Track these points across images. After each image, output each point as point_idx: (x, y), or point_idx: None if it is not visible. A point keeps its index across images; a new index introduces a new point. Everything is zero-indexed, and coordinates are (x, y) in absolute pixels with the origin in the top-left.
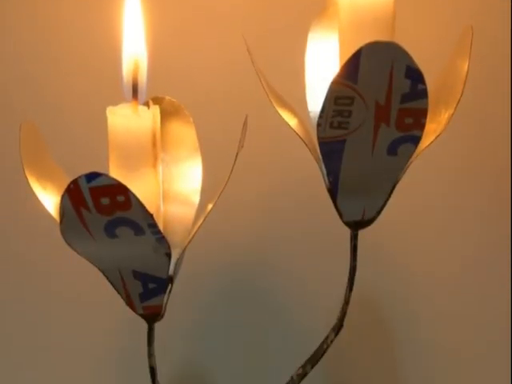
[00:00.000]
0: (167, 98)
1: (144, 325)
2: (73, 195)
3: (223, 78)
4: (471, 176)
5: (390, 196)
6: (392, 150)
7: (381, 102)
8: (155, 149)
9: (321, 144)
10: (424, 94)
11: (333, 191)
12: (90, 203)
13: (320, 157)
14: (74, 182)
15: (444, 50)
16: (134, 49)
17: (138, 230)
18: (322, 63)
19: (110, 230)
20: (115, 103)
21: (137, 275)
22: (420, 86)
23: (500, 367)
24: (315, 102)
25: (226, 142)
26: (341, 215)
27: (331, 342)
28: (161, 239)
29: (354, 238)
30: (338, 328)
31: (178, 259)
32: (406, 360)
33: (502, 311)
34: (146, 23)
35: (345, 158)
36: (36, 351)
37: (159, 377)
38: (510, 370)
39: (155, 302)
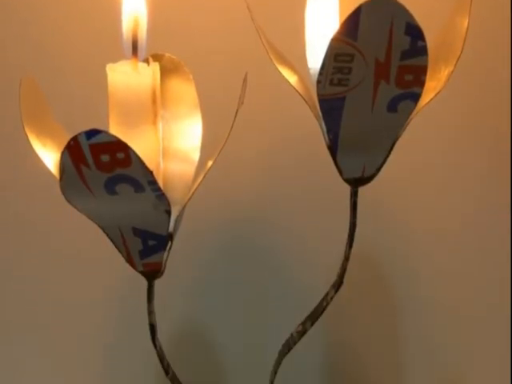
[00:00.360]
0: (167, 54)
1: (144, 282)
2: (73, 152)
3: (223, 35)
4: (471, 133)
5: (389, 153)
6: (392, 106)
7: (381, 59)
8: (155, 106)
9: (321, 101)
10: (424, 50)
11: (333, 148)
12: (90, 160)
13: (320, 114)
14: (74, 139)
15: (444, 7)
16: (134, 6)
17: (137, 186)
18: (322, 20)
19: (110, 186)
20: (115, 60)
21: (137, 232)
22: (420, 43)
23: (499, 324)
24: (315, 58)
25: (226, 99)
26: (341, 172)
27: (331, 298)
28: (161, 196)
29: (353, 195)
30: (337, 285)
31: (177, 216)
32: (406, 317)
33: (501, 268)
34: None
35: (345, 115)
36: (35, 308)
37: (159, 334)
38: (510, 326)
39: (155, 259)
